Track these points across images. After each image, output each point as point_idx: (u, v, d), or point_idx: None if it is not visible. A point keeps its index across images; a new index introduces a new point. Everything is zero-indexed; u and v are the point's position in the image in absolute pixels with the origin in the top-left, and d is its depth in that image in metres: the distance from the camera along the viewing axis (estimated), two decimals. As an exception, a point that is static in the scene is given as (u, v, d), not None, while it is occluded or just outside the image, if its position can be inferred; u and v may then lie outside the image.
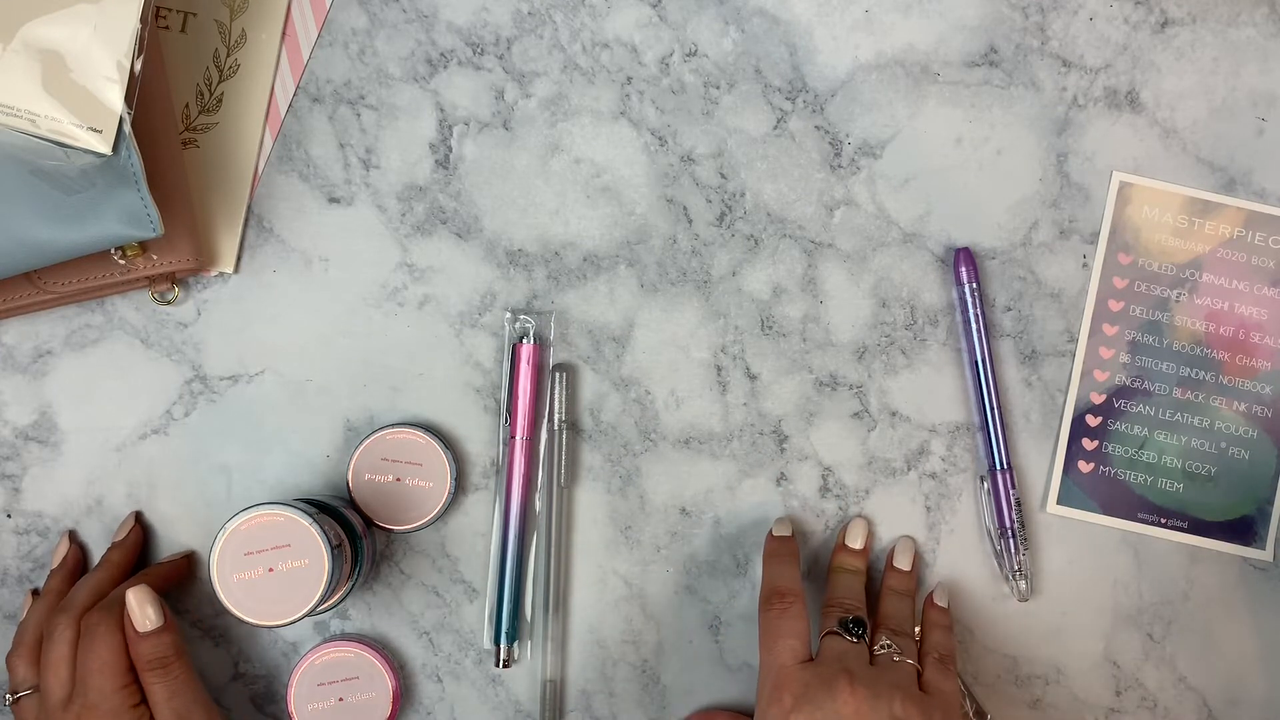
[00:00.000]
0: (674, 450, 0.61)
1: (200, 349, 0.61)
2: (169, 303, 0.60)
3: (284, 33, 0.61)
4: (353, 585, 0.57)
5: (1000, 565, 0.61)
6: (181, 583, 0.60)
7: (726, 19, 0.62)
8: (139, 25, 0.51)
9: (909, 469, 0.62)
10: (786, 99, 0.62)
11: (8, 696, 0.55)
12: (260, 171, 0.61)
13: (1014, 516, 0.60)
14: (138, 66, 0.51)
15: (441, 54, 0.61)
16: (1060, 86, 0.62)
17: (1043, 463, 0.62)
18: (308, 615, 0.52)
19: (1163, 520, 0.62)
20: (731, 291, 0.62)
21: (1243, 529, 0.62)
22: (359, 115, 0.61)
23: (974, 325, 0.61)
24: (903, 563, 0.60)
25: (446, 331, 0.61)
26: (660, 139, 0.62)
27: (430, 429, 0.60)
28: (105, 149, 0.51)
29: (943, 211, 0.62)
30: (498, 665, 0.60)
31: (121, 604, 0.54)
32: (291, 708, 0.58)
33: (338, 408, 0.61)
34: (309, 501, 0.57)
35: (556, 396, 0.61)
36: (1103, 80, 0.62)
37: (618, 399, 0.61)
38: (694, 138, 0.62)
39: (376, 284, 0.61)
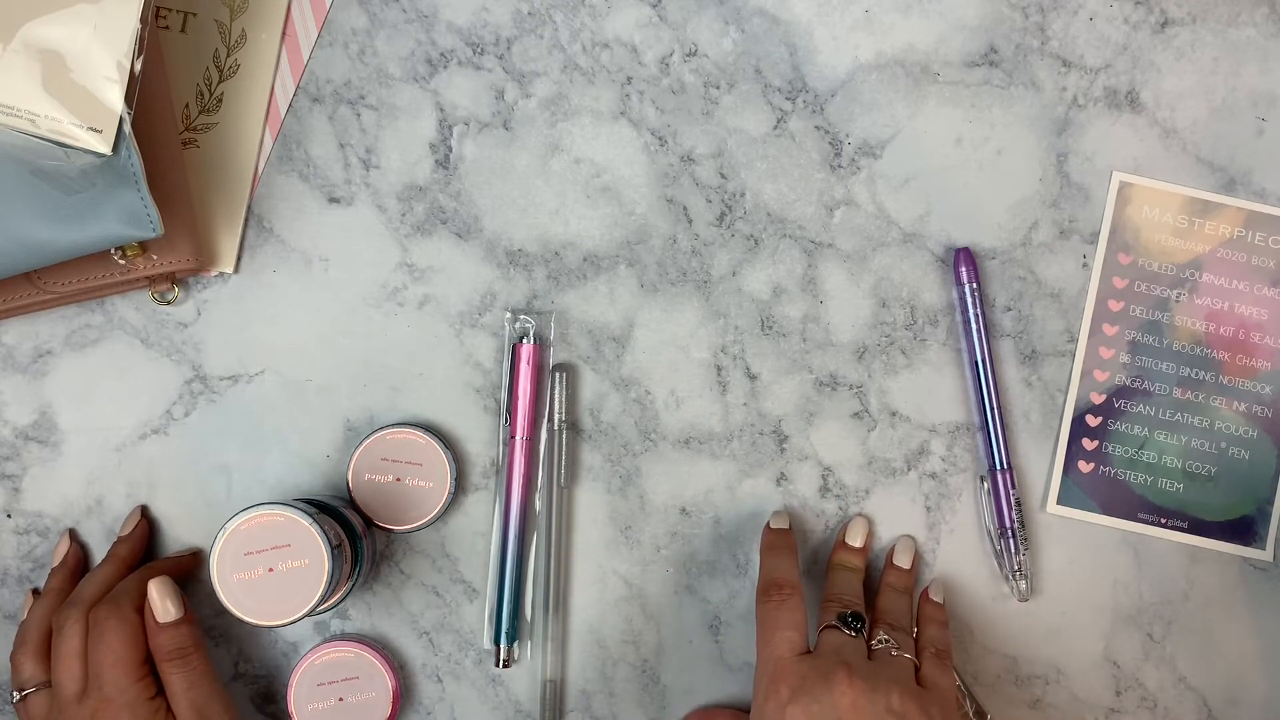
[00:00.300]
0: (674, 450, 0.61)
1: (200, 349, 0.61)
2: (169, 303, 0.60)
3: (284, 33, 0.61)
4: (353, 585, 0.57)
5: (1000, 565, 0.61)
6: (187, 578, 0.60)
7: (726, 19, 0.62)
8: (139, 25, 0.51)
9: (909, 469, 0.62)
10: (786, 99, 0.62)
11: (14, 694, 0.55)
12: (260, 171, 0.61)
13: (1014, 516, 0.60)
14: (138, 66, 0.51)
15: (441, 54, 0.61)
16: (1060, 86, 0.62)
17: (1043, 463, 0.62)
18: (308, 615, 0.52)
19: (1163, 520, 0.62)
20: (731, 291, 0.62)
21: (1243, 529, 0.62)
22: (359, 115, 0.61)
23: (974, 325, 0.61)
24: (903, 561, 0.60)
25: (446, 331, 0.61)
26: (660, 139, 0.62)
27: (430, 429, 0.60)
28: (105, 149, 0.51)
29: (943, 211, 0.62)
30: (498, 665, 0.60)
31: (130, 596, 0.55)
32: (291, 708, 0.58)
33: (338, 408, 0.61)
34: (309, 501, 0.57)
35: (556, 396, 0.61)
36: (1103, 80, 0.62)
37: (618, 399, 0.61)
38: (694, 138, 0.62)
39: (376, 284, 0.61)
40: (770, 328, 0.62)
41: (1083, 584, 0.62)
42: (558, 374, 0.61)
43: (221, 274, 0.61)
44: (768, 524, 0.60)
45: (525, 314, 0.61)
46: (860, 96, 0.62)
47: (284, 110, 0.61)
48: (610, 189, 0.62)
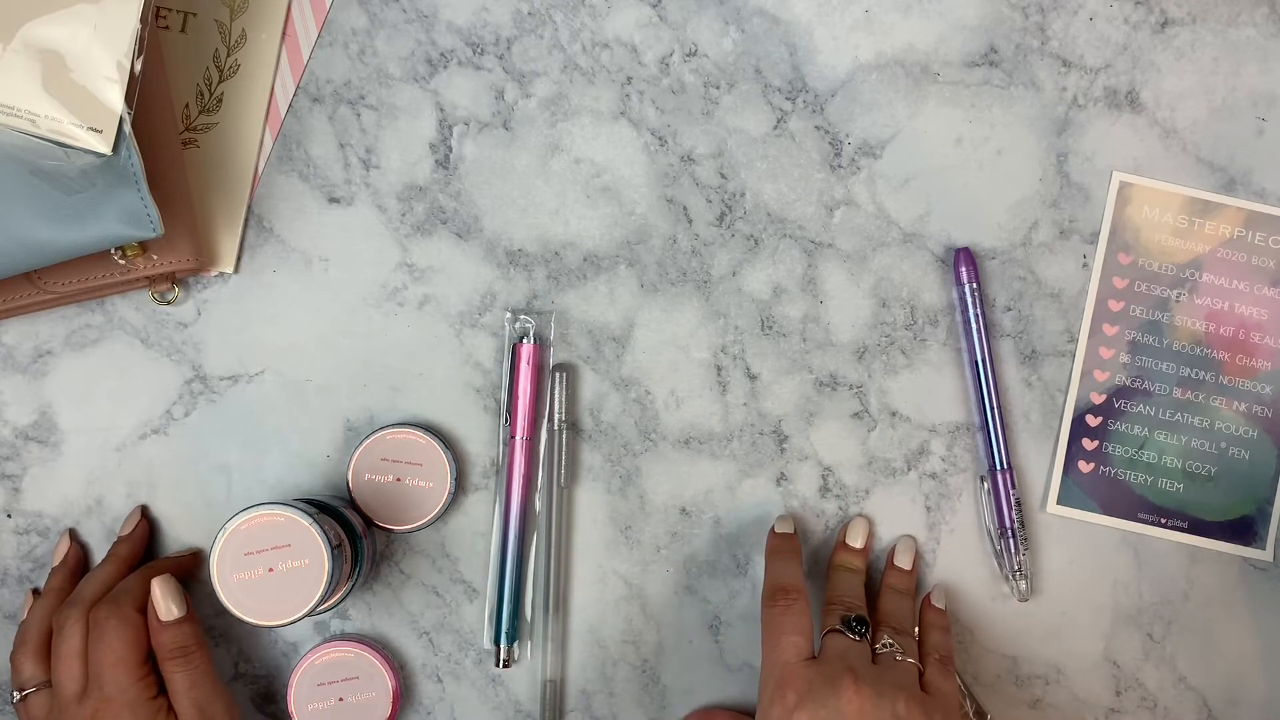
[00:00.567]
0: (674, 450, 0.61)
1: (200, 349, 0.61)
2: (169, 303, 0.60)
3: (284, 33, 0.61)
4: (353, 585, 0.57)
5: (1000, 565, 0.61)
6: (187, 578, 0.60)
7: (726, 19, 0.62)
8: (139, 25, 0.51)
9: (909, 469, 0.62)
10: (786, 99, 0.62)
11: (14, 694, 0.55)
12: (260, 171, 0.61)
13: (1014, 516, 0.60)
14: (138, 66, 0.51)
15: (441, 54, 0.61)
16: (1060, 86, 0.62)
17: (1043, 463, 0.62)
18: (308, 615, 0.52)
19: (1163, 520, 0.62)
20: (731, 291, 0.62)
21: (1243, 529, 0.62)
22: (359, 115, 0.61)
23: (974, 325, 0.61)
24: (903, 562, 0.60)
25: (446, 331, 0.61)
26: (660, 139, 0.62)
27: (430, 429, 0.60)
28: (105, 149, 0.51)
29: (943, 211, 0.62)
30: (498, 665, 0.60)
31: (130, 596, 0.55)
32: (291, 708, 0.58)
33: (338, 408, 0.61)
34: (309, 501, 0.57)
35: (556, 396, 0.61)
36: (1103, 80, 0.62)
37: (618, 399, 0.61)
38: (694, 138, 0.62)
39: (376, 284, 0.61)
40: (770, 328, 0.62)
41: (1083, 584, 0.62)
42: (558, 374, 0.61)
43: (221, 274, 0.61)
44: (773, 528, 0.60)
45: (525, 314, 0.61)
46: (860, 96, 0.62)
47: (284, 110, 0.61)
48: (610, 189, 0.62)
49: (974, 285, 0.61)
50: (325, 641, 0.60)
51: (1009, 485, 0.60)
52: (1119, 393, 0.62)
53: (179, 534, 0.61)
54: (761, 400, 0.62)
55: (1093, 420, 0.62)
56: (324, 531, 0.52)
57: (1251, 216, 0.62)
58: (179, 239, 0.58)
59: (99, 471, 0.61)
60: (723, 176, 0.62)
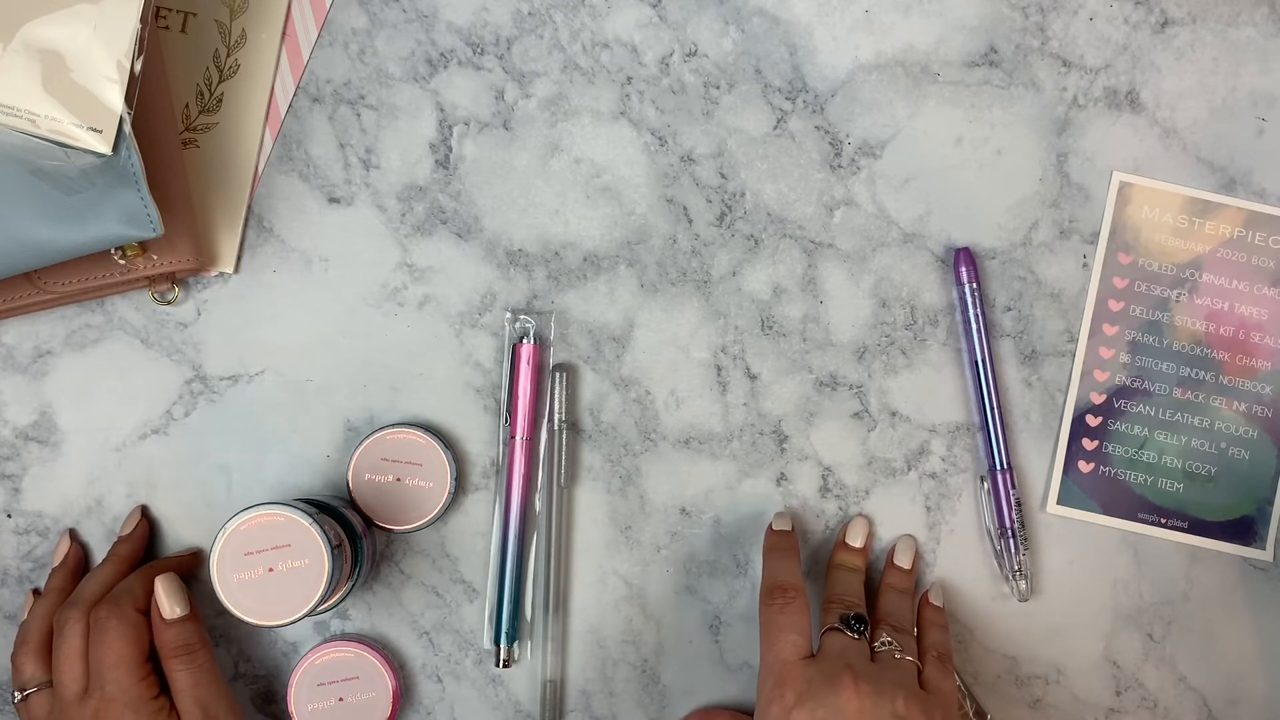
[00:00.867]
0: (674, 450, 0.61)
1: (200, 349, 0.61)
2: (169, 303, 0.60)
3: (284, 33, 0.61)
4: (353, 585, 0.57)
5: (1000, 565, 0.61)
6: (188, 578, 0.60)
7: (726, 19, 0.62)
8: (139, 25, 0.51)
9: (909, 469, 0.62)
10: (786, 99, 0.62)
11: (15, 694, 0.55)
12: (260, 171, 0.61)
13: (1014, 516, 0.60)
14: (138, 66, 0.51)
15: (441, 54, 0.61)
16: (1060, 86, 0.62)
17: (1043, 463, 0.62)
18: (308, 615, 0.52)
19: (1163, 520, 0.62)
20: (731, 291, 0.62)
21: (1243, 529, 0.62)
22: (359, 115, 0.61)
23: (974, 325, 0.61)
24: (903, 561, 0.60)
25: (446, 331, 0.61)
26: (660, 139, 0.62)
27: (430, 429, 0.60)
28: (105, 149, 0.51)
29: (943, 211, 0.62)
30: (498, 665, 0.60)
31: (131, 595, 0.55)
32: (291, 708, 0.58)
33: (338, 408, 0.61)
34: (309, 501, 0.57)
35: (556, 396, 0.61)
36: (1103, 80, 0.62)
37: (618, 399, 0.61)
38: (694, 138, 0.62)
39: (376, 284, 0.61)
40: (770, 328, 0.62)
41: (1083, 584, 0.62)
42: (558, 374, 0.61)
43: (221, 274, 0.61)
44: (770, 525, 0.60)
45: (525, 314, 0.61)
46: (860, 96, 0.62)
47: (284, 110, 0.61)
48: (610, 189, 0.62)
49: (974, 285, 0.61)
50: (325, 641, 0.60)
51: (1009, 485, 0.60)
52: (1119, 393, 0.62)
53: (179, 534, 0.61)
54: (761, 400, 0.62)
55: (1093, 420, 0.62)
56: (324, 531, 0.52)
57: (1251, 216, 0.62)
58: (179, 239, 0.58)
59: (99, 471, 0.61)
60: (723, 176, 0.62)
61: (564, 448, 0.61)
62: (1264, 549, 0.62)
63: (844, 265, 0.62)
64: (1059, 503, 0.62)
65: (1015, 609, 0.61)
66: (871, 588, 0.61)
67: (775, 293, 0.62)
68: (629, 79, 0.62)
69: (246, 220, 0.61)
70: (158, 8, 0.60)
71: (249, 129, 0.61)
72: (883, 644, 0.54)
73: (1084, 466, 0.62)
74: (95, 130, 0.51)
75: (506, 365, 0.61)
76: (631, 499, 0.61)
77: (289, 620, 0.52)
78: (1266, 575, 0.62)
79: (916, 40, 0.62)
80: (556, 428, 0.61)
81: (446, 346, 0.61)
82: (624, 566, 0.61)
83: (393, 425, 0.60)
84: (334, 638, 0.60)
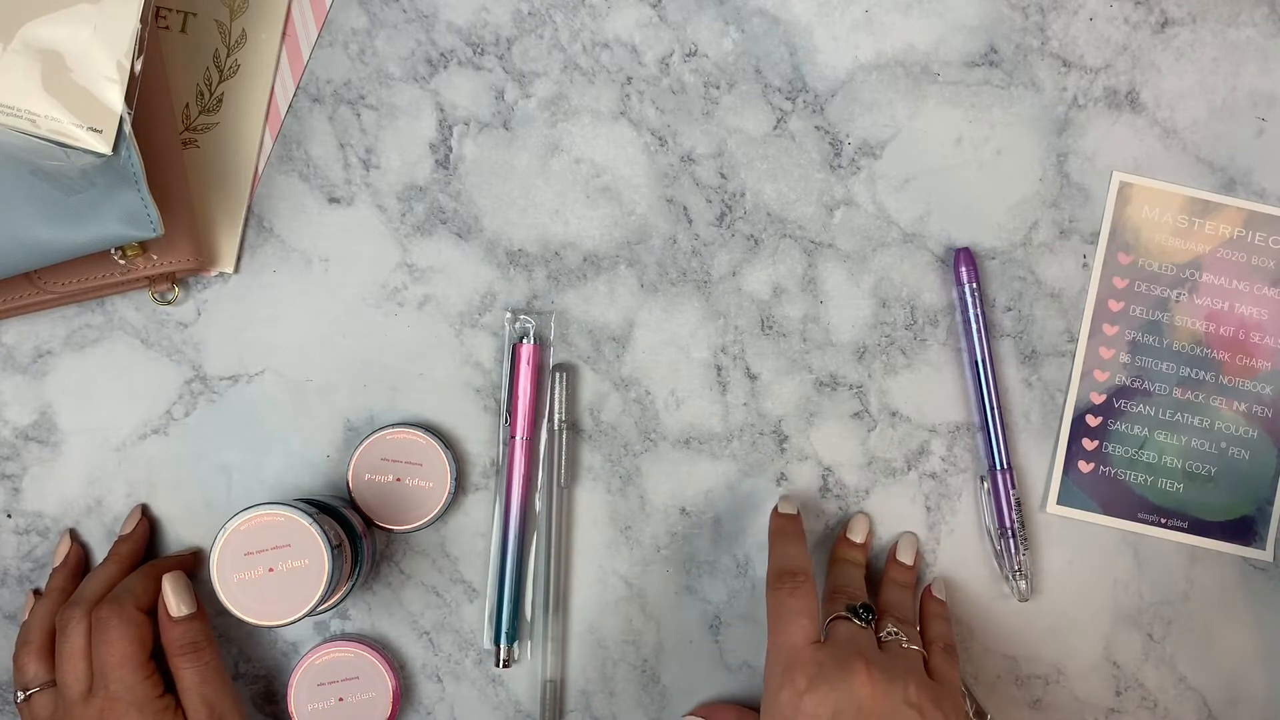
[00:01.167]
0: (674, 450, 0.61)
1: (200, 349, 0.61)
2: (169, 303, 0.60)
3: (284, 33, 0.61)
4: (353, 585, 0.57)
5: (1000, 565, 0.61)
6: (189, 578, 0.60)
7: (726, 19, 0.62)
8: (139, 25, 0.51)
9: (909, 469, 0.62)
10: (786, 99, 0.62)
11: (18, 694, 0.55)
12: (260, 171, 0.61)
13: (1014, 516, 0.60)
14: (138, 66, 0.51)
15: (441, 54, 0.61)
16: (1060, 86, 0.62)
17: (1043, 463, 0.62)
18: (308, 615, 0.52)
19: (1163, 520, 0.62)
20: (731, 291, 0.62)
21: (1243, 529, 0.62)
22: (359, 115, 0.61)
23: (974, 325, 0.61)
24: (905, 557, 0.60)
25: (446, 331, 0.61)
26: (660, 139, 0.62)
27: (430, 429, 0.60)
28: (105, 149, 0.51)
29: (943, 211, 0.62)
30: (498, 665, 0.60)
31: (132, 594, 0.55)
32: (291, 708, 0.58)
33: (338, 408, 0.61)
34: (309, 501, 0.57)
35: (556, 396, 0.61)
36: (1103, 80, 0.62)
37: (618, 399, 0.61)
38: (694, 138, 0.62)
39: (376, 284, 0.61)
40: (770, 328, 0.62)
41: (1083, 584, 0.62)
42: (558, 374, 0.61)
43: (221, 274, 0.61)
44: (775, 508, 0.59)
45: (525, 314, 0.61)
46: (860, 96, 0.62)
47: (284, 110, 0.61)
48: (610, 189, 0.62)
49: (974, 285, 0.61)
50: (325, 641, 0.60)
51: (1009, 485, 0.60)
52: (1119, 393, 0.62)
53: (179, 534, 0.61)
54: (761, 400, 0.62)
55: (1093, 420, 0.62)
56: (324, 531, 0.52)
57: (1251, 216, 0.62)
58: (179, 239, 0.58)
59: (99, 471, 0.61)
60: (723, 176, 0.62)
61: (564, 448, 0.61)
62: (1264, 549, 0.62)
63: (844, 265, 0.62)
64: (1059, 503, 0.62)
65: (1015, 609, 0.61)
66: (872, 584, 0.61)
67: (775, 293, 0.62)
68: (629, 79, 0.62)
69: (246, 220, 0.61)
70: (158, 8, 0.60)
71: (249, 129, 0.61)
72: (889, 634, 0.54)
73: (1084, 466, 0.62)
74: (95, 130, 0.51)
75: (506, 365, 0.61)
76: (631, 499, 0.61)
77: (289, 620, 0.52)
78: (1266, 575, 0.62)
79: (916, 40, 0.62)
80: (556, 428, 0.61)
81: (446, 346, 0.61)
82: (624, 566, 0.61)
83: (393, 425, 0.60)
84: (334, 638, 0.60)
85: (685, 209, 0.62)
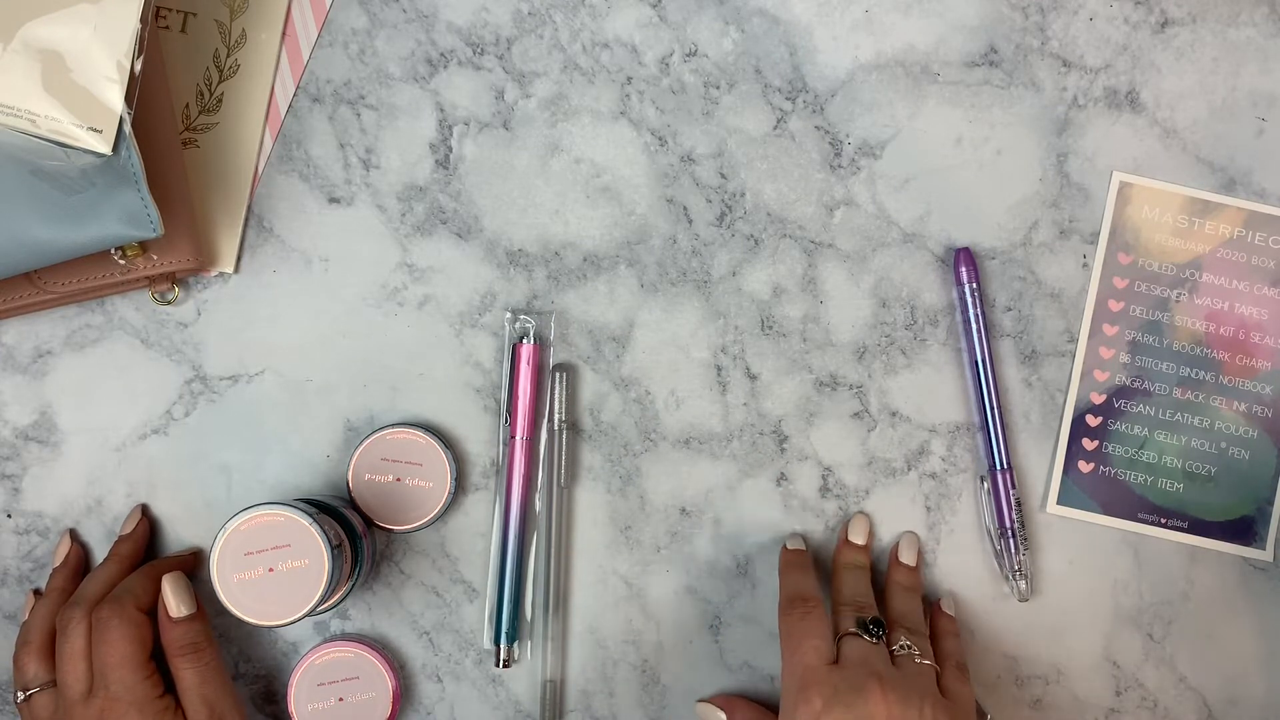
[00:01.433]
0: (674, 450, 0.61)
1: (200, 349, 0.61)
2: (169, 303, 0.60)
3: (284, 33, 0.61)
4: (353, 585, 0.57)
5: (1000, 565, 0.61)
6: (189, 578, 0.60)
7: (726, 19, 0.62)
8: (139, 25, 0.51)
9: (909, 469, 0.62)
10: (786, 99, 0.62)
11: (18, 694, 0.55)
12: (260, 171, 0.61)
13: (1014, 516, 0.60)
14: (138, 66, 0.51)
15: (441, 54, 0.61)
16: (1060, 86, 0.62)
17: (1043, 463, 0.62)
18: (308, 615, 0.52)
19: (1163, 520, 0.62)
20: (731, 291, 0.62)
21: (1243, 529, 0.62)
22: (359, 115, 0.61)
23: (974, 325, 0.61)
24: (908, 558, 0.60)
25: (446, 331, 0.61)
26: (660, 139, 0.62)
27: (430, 429, 0.60)
28: (105, 149, 0.51)
29: (943, 211, 0.62)
30: (498, 665, 0.60)
31: (133, 595, 0.55)
32: (291, 708, 0.58)
33: (338, 408, 0.61)
34: (309, 501, 0.57)
35: (556, 396, 0.61)
36: (1103, 80, 0.62)
37: (618, 399, 0.61)
38: (694, 138, 0.62)
39: (376, 284, 0.61)
40: (770, 328, 0.62)
41: (1083, 584, 0.62)
42: (558, 374, 0.61)
43: (221, 274, 0.61)
44: (784, 545, 0.60)
45: (525, 314, 0.61)
46: (860, 96, 0.62)
47: (284, 110, 0.61)
48: (610, 189, 0.62)
49: (974, 285, 0.61)
50: (325, 641, 0.60)
51: (1009, 485, 0.60)
52: (1119, 393, 0.62)
53: (179, 534, 0.61)
54: (761, 400, 0.62)
55: (1093, 420, 0.62)
56: (324, 531, 0.52)
57: (1251, 216, 0.62)
58: (179, 239, 0.58)
59: (99, 471, 0.61)
60: (723, 176, 0.62)
61: (564, 448, 0.61)
62: (1264, 549, 0.62)
63: (844, 265, 0.62)
64: (1059, 503, 0.62)
65: (1015, 609, 0.61)
66: (877, 584, 0.61)
67: (775, 293, 0.62)
68: (629, 79, 0.62)
69: (246, 220, 0.61)
70: (158, 8, 0.60)
71: (249, 129, 0.61)
72: (901, 647, 0.54)
73: (1084, 466, 0.62)
74: (95, 130, 0.51)
75: (506, 365, 0.61)
76: (631, 499, 0.61)
77: (289, 620, 0.52)
78: (1266, 575, 0.62)
79: (916, 40, 0.62)
80: (556, 428, 0.61)
81: (446, 346, 0.61)
82: (624, 566, 0.61)
83: (393, 425, 0.60)
84: (334, 638, 0.60)
85: (685, 209, 0.62)
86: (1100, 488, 0.62)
